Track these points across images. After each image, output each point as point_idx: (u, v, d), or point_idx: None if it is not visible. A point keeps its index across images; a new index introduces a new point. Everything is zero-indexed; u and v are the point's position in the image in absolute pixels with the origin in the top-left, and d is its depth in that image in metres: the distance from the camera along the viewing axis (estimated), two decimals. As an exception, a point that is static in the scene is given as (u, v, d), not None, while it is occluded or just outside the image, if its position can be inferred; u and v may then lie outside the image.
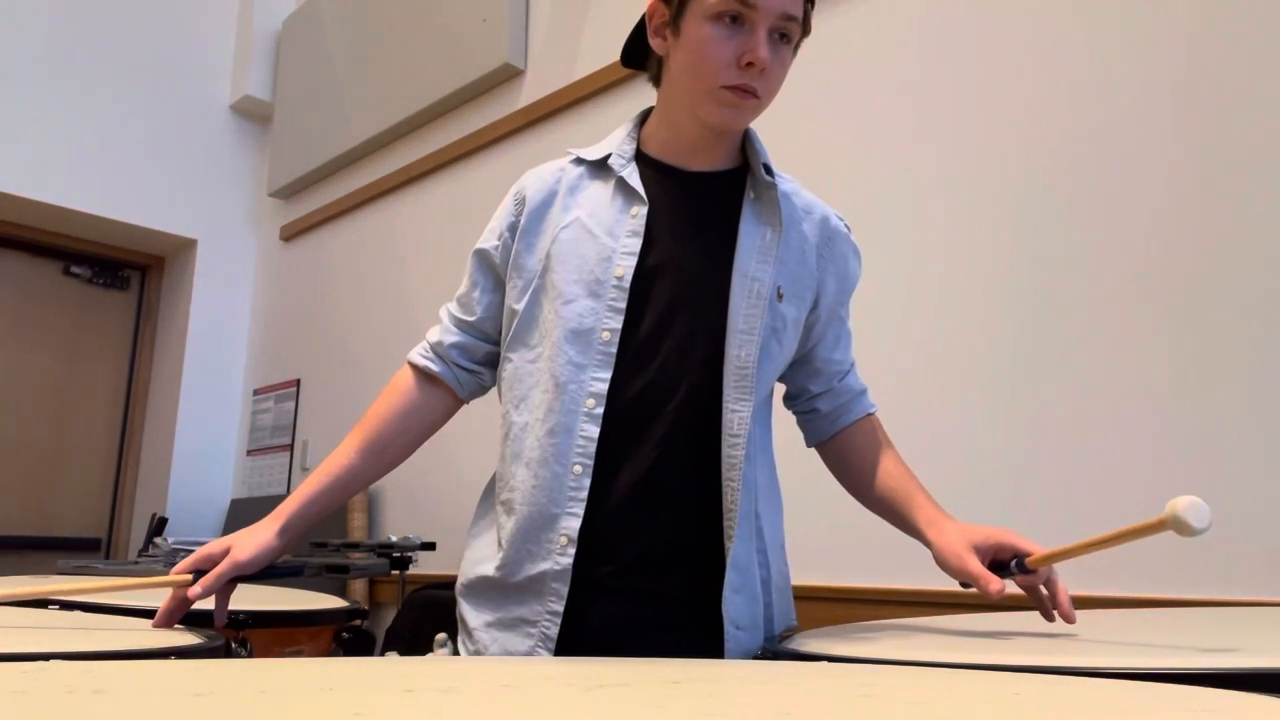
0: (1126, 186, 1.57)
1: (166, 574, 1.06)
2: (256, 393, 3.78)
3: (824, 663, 0.74)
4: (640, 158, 1.14)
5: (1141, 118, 1.57)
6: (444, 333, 1.18)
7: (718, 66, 1.02)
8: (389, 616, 2.39)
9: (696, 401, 1.05)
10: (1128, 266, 1.54)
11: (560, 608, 1.03)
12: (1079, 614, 0.96)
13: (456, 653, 1.15)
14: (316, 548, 2.50)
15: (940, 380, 1.74)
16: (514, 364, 1.12)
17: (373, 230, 3.35)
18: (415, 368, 1.18)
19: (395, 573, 2.31)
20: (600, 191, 1.12)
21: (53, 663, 0.60)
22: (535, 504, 1.05)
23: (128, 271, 3.98)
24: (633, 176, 1.11)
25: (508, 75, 2.83)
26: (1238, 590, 1.36)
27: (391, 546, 2.33)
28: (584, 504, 1.03)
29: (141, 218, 3.65)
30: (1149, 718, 0.43)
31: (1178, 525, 0.74)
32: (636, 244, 1.07)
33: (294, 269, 3.73)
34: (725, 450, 1.05)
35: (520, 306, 1.11)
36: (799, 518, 1.86)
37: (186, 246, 3.85)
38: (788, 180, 1.16)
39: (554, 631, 1.02)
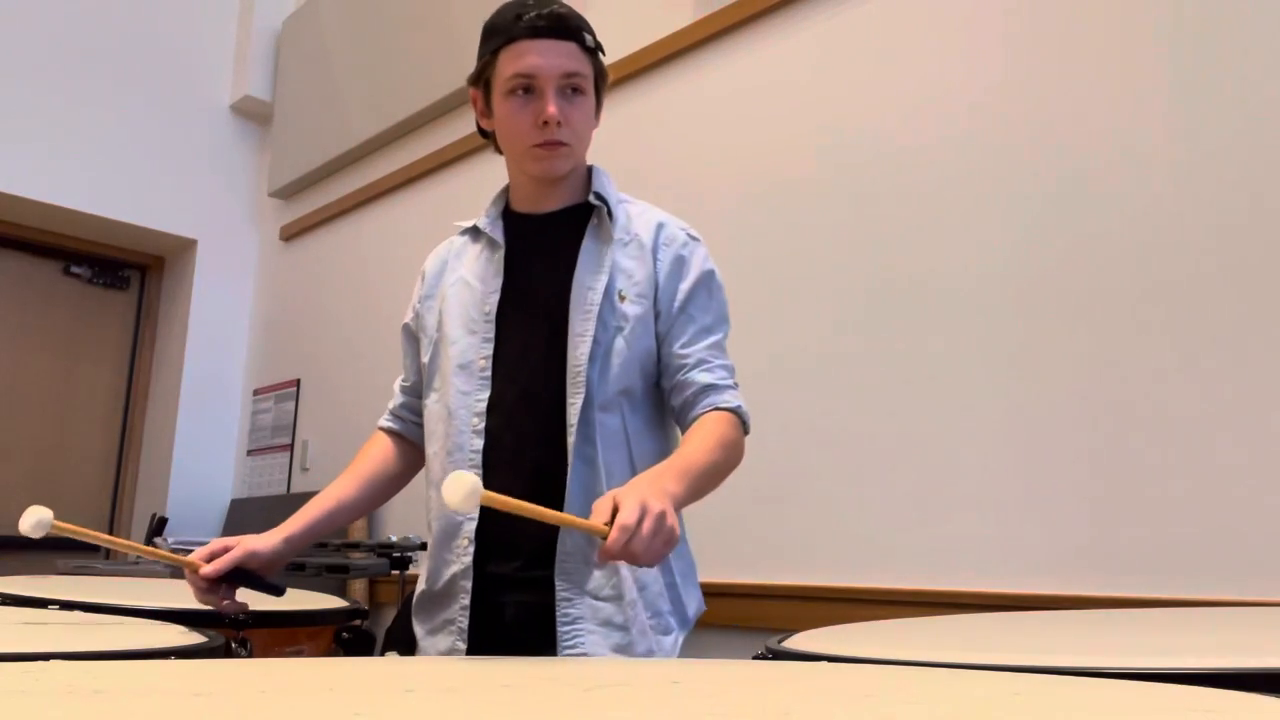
0: (1116, 189, 1.57)
1: (167, 574, 1.07)
2: (256, 393, 3.78)
3: (824, 663, 0.74)
4: (508, 214, 1.33)
5: (1130, 120, 1.57)
6: (394, 399, 1.43)
7: (522, 132, 1.23)
8: (389, 616, 2.39)
9: (556, 403, 1.20)
10: (1131, 261, 1.54)
11: (468, 602, 1.19)
12: (1079, 613, 0.96)
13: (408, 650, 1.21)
14: (317, 548, 2.49)
15: (940, 385, 1.74)
16: (427, 407, 1.32)
17: (373, 230, 3.35)
18: (382, 429, 1.42)
19: (395, 573, 2.31)
20: (476, 250, 1.33)
21: (53, 663, 0.60)
22: (444, 517, 1.24)
23: (128, 271, 3.98)
24: (495, 229, 1.31)
25: (508, 75, 2.83)
26: (1238, 590, 1.36)
27: (391, 546, 2.33)
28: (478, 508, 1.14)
29: (141, 218, 3.65)
30: (1149, 718, 0.43)
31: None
32: (499, 282, 1.27)
33: (294, 269, 3.73)
34: (568, 440, 1.18)
35: (426, 360, 1.33)
36: (799, 519, 1.87)
37: (186, 246, 3.85)
38: (636, 203, 1.32)
39: (465, 624, 1.18)
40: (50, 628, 0.94)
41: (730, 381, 1.23)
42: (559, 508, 1.15)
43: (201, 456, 3.71)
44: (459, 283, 1.31)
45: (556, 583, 1.16)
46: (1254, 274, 1.42)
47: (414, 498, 2.87)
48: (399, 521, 2.91)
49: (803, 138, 2.05)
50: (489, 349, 1.25)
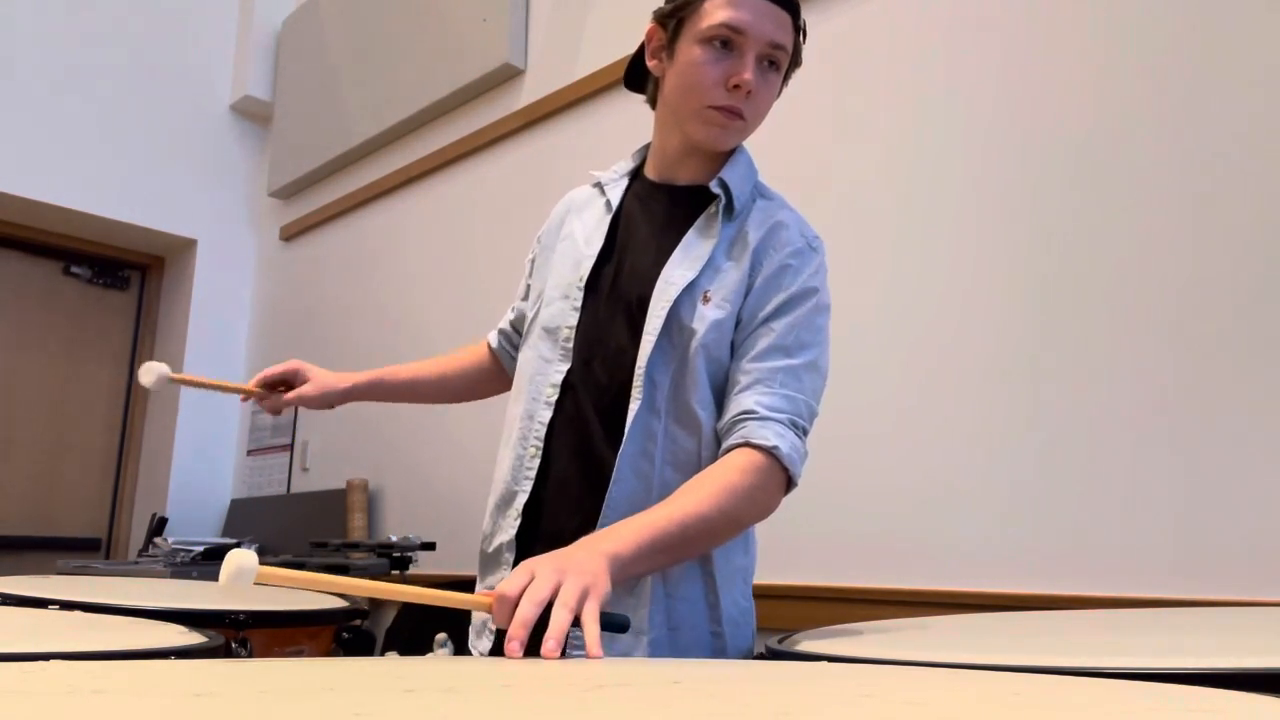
0: (1128, 184, 1.57)
1: (167, 574, 1.06)
2: (256, 393, 3.78)
3: (824, 663, 0.74)
4: (639, 176, 1.22)
5: (1142, 118, 1.57)
6: (507, 315, 1.39)
7: (707, 86, 1.08)
8: (389, 616, 2.39)
9: (619, 401, 1.09)
10: (1132, 264, 1.54)
11: (508, 574, 1.12)
12: (1079, 613, 0.96)
13: (457, 652, 1.17)
14: (316, 548, 2.49)
15: (945, 382, 1.74)
16: (520, 356, 1.23)
17: (373, 230, 3.35)
18: (487, 342, 1.42)
19: (395, 573, 2.31)
20: (596, 208, 1.22)
21: (53, 663, 0.60)
22: (504, 482, 1.16)
23: (128, 271, 3.98)
24: (615, 189, 1.21)
25: (508, 75, 2.83)
26: (1238, 590, 1.36)
27: (391, 546, 2.33)
28: (532, 481, 1.13)
29: (141, 218, 3.65)
30: (1149, 718, 0.43)
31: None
32: (598, 247, 1.17)
33: (294, 269, 3.73)
34: (619, 447, 1.07)
35: (530, 312, 1.24)
36: (800, 519, 1.86)
37: (186, 246, 3.85)
38: (775, 199, 1.17)
39: None
40: (50, 628, 0.94)
41: (783, 415, 1.02)
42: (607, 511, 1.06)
43: (201, 456, 3.71)
44: (569, 240, 1.21)
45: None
46: (1260, 277, 1.42)
47: (414, 498, 2.88)
48: (399, 521, 2.91)
49: (803, 138, 2.04)
50: (575, 319, 1.14)
